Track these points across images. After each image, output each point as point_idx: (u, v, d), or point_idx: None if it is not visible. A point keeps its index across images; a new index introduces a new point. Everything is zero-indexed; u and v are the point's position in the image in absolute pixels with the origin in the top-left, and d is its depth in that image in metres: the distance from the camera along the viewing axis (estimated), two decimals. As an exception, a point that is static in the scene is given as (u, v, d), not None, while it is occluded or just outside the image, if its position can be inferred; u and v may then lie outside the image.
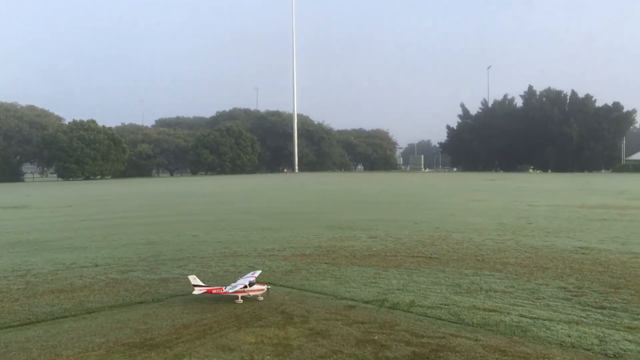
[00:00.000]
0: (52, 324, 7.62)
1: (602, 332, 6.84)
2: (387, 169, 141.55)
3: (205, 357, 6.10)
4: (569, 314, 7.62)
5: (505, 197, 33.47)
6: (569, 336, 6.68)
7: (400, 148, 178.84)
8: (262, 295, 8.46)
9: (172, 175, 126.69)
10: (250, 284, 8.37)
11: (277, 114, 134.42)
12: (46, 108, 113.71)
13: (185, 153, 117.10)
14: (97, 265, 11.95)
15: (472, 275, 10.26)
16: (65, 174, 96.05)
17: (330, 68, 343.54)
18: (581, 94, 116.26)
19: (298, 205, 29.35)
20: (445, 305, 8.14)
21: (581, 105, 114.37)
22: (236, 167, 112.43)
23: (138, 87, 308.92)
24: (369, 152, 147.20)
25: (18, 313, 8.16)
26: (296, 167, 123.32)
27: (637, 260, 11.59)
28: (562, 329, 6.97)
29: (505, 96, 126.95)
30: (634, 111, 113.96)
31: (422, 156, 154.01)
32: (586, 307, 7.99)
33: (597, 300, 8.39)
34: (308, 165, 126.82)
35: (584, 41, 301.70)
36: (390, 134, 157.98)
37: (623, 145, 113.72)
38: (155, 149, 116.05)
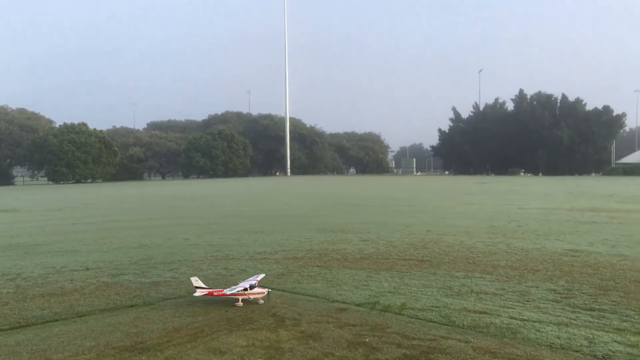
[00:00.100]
0: (43, 327, 7.58)
1: (592, 333, 6.90)
2: (379, 172, 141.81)
3: (196, 360, 6.08)
4: (559, 316, 7.68)
5: (496, 200, 33.64)
6: (559, 338, 6.74)
7: (393, 151, 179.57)
8: (262, 298, 8.46)
9: (163, 178, 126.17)
10: (251, 287, 8.36)
11: (269, 117, 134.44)
12: (36, 111, 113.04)
13: (177, 156, 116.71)
14: (87, 269, 11.89)
15: (463, 278, 10.32)
16: (55, 178, 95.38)
17: (323, 71, 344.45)
18: (571, 98, 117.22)
19: (290, 208, 29.34)
20: (436, 307, 8.18)
21: (571, 109, 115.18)
22: (228, 171, 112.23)
23: (130, 90, 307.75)
24: (361, 155, 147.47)
25: (8, 317, 8.11)
26: (288, 171, 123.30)
27: (626, 263, 11.69)
28: (551, 330, 7.03)
29: (496, 100, 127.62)
30: (623, 115, 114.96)
31: (414, 159, 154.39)
32: (576, 309, 8.06)
33: (586, 302, 8.46)
34: (300, 169, 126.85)
35: (574, 45, 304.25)
36: (382, 137, 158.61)
37: (613, 149, 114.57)
38: (146, 152, 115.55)
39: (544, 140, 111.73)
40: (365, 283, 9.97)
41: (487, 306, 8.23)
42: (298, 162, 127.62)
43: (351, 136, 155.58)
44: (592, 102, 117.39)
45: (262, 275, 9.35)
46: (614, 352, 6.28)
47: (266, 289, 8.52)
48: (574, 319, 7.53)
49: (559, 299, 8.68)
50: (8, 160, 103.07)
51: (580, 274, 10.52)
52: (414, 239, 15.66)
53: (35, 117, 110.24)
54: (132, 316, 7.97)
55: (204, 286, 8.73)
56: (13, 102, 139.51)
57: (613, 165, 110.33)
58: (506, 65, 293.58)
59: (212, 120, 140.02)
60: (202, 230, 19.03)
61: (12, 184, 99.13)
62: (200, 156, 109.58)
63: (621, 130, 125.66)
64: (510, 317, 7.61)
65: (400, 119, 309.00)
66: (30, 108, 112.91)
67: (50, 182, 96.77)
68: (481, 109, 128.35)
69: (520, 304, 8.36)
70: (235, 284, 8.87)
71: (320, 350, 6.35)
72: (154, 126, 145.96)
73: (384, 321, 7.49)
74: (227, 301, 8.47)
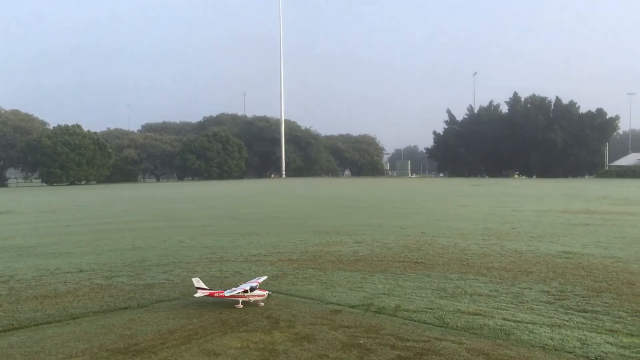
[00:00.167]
0: (36, 329, 7.55)
1: (584, 335, 6.94)
2: (374, 174, 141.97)
3: (190, 362, 6.08)
4: (552, 318, 7.72)
5: (491, 202, 33.75)
6: (552, 339, 6.77)
7: (388, 153, 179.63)
8: (262, 301, 8.45)
9: (158, 180, 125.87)
10: (252, 289, 8.35)
11: (264, 119, 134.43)
12: (30, 112, 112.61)
13: (172, 158, 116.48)
14: (81, 271, 11.85)
15: (457, 280, 10.35)
16: (49, 179, 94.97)
17: (318, 73, 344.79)
18: (565, 101, 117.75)
19: (285, 210, 29.33)
20: (430, 309, 8.20)
21: (565, 112, 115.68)
22: (223, 173, 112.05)
23: (124, 91, 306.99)
24: (356, 157, 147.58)
25: (1, 319, 8.08)
26: (283, 173, 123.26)
27: (619, 265, 11.76)
28: (544, 332, 7.06)
29: (490, 102, 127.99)
30: (617, 117, 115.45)
31: (409, 161, 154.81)
32: (569, 311, 8.10)
33: (579, 303, 8.51)
34: (295, 171, 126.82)
35: (568, 48, 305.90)
36: (377, 140, 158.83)
37: (606, 151, 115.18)
38: (141, 154, 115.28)
39: (538, 142, 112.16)
40: (359, 285, 9.99)
41: (480, 308, 8.26)
42: (293, 164, 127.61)
43: (346, 138, 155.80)
44: (586, 105, 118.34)
45: (264, 278, 9.34)
46: (606, 353, 6.32)
47: (266, 292, 8.52)
48: (566, 321, 7.57)
49: (552, 300, 8.72)
50: (1, 162, 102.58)
51: (573, 276, 10.57)
52: (409, 241, 15.69)
53: (29, 118, 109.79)
54: (126, 318, 7.95)
55: (206, 287, 8.72)
56: (6, 104, 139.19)
57: (606, 167, 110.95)
58: (500, 68, 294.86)
59: (207, 122, 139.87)
60: (196, 232, 19.00)
61: (5, 185, 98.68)
62: (195, 158, 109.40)
63: (614, 133, 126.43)
64: (504, 319, 7.65)
65: (395, 122, 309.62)
66: (24, 109, 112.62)
67: (44, 184, 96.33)
68: (476, 111, 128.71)
69: (514, 306, 8.40)
70: (236, 285, 8.83)
71: (315, 351, 6.36)
72: (148, 128, 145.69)
73: (378, 323, 7.50)
74: (227, 303, 8.46)
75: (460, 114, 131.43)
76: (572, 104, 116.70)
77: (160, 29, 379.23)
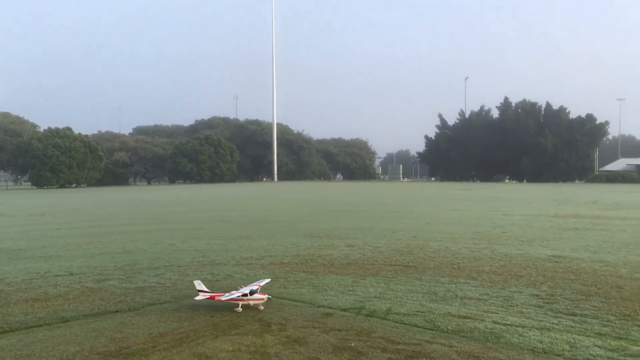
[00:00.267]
0: (26, 333, 7.52)
1: (573, 338, 7.01)
2: (366, 178, 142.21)
3: (181, 365, 6.08)
4: (541, 321, 7.80)
5: (482, 206, 33.92)
6: (541, 342, 6.84)
7: (379, 157, 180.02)
8: (262, 304, 8.44)
9: (149, 183, 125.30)
10: (252, 293, 8.35)
11: (256, 122, 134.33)
12: (21, 115, 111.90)
13: (164, 161, 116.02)
14: (72, 274, 11.79)
15: (448, 283, 10.41)
16: (39, 182, 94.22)
17: (310, 77, 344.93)
18: (555, 106, 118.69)
19: (276, 214, 29.32)
20: (421, 312, 8.25)
21: (555, 117, 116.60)
22: (215, 176, 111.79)
23: (115, 94, 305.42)
24: (348, 161, 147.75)
25: (-10, 322, 8.03)
26: (275, 176, 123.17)
27: (607, 269, 11.88)
28: (534, 335, 7.13)
29: (482, 107, 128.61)
30: (606, 123, 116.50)
31: (401, 166, 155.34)
32: (558, 314, 8.18)
33: (568, 307, 8.59)
34: (287, 175, 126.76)
35: (559, 54, 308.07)
36: (369, 144, 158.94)
37: (596, 156, 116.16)
38: (132, 157, 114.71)
39: (528, 147, 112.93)
40: (351, 288, 10.02)
41: (471, 311, 8.32)
42: (285, 167, 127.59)
43: (338, 142, 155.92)
44: (576, 111, 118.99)
45: (266, 280, 9.34)
46: (595, 356, 6.39)
47: (266, 295, 8.51)
48: (556, 324, 7.64)
49: (542, 304, 8.80)
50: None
51: (563, 280, 10.67)
52: (400, 245, 15.75)
53: (20, 121, 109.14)
54: (117, 321, 7.93)
55: (207, 290, 8.70)
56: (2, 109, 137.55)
57: (596, 172, 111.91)
58: (491, 73, 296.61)
59: (199, 126, 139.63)
60: (187, 235, 18.96)
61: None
62: (186, 161, 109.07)
63: (604, 138, 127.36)
64: (494, 322, 7.71)
65: (387, 126, 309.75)
66: (15, 112, 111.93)
67: (34, 187, 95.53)
68: (467, 116, 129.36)
69: (504, 309, 8.46)
70: (237, 288, 8.81)
71: (306, 354, 6.38)
72: (140, 131, 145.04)
73: (369, 326, 7.54)
74: (222, 306, 8.46)
75: (451, 119, 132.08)
76: (562, 109, 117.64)
77: (150, 32, 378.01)
